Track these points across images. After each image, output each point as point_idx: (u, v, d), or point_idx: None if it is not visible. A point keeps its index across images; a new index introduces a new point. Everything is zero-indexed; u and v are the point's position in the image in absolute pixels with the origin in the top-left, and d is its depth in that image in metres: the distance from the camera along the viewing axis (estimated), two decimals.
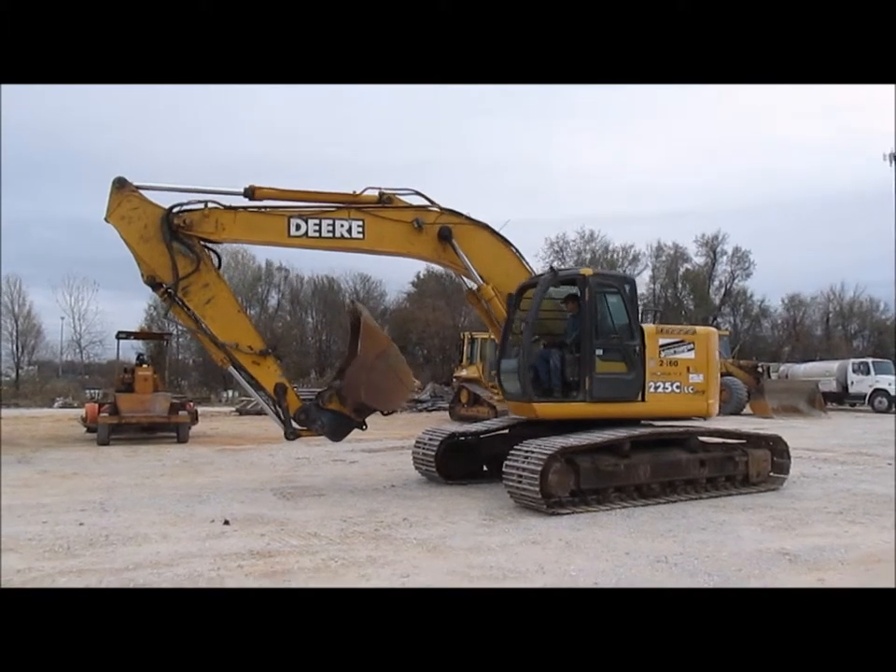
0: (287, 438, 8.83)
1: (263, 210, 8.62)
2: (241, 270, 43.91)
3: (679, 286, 49.81)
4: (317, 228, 8.55)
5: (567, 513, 7.28)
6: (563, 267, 9.05)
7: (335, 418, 8.79)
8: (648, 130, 73.84)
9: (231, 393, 36.96)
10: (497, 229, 9.30)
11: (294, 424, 8.74)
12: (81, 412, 18.78)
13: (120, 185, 8.28)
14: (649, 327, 8.80)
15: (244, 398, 30.01)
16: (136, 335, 22.29)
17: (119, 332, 18.23)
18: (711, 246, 48.56)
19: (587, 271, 8.60)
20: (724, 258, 48.84)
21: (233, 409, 27.71)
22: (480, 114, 77.16)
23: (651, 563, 5.52)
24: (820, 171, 68.76)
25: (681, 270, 49.53)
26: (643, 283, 49.35)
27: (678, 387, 8.63)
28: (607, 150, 74.19)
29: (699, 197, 70.52)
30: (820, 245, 65.69)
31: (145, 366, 16.40)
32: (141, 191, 8.36)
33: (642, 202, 70.85)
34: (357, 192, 8.74)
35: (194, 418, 16.34)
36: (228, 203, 8.49)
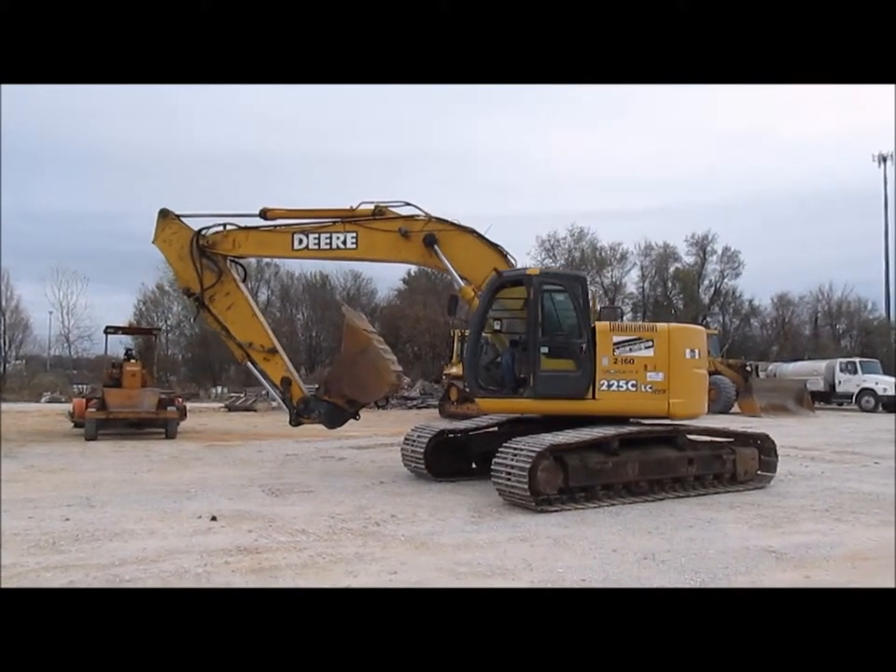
0: (291, 424, 10.19)
1: (271, 228, 10.00)
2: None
3: (669, 285, 49.90)
4: (317, 241, 9.76)
5: (556, 511, 7.29)
6: (508, 269, 9.08)
7: (331, 408, 9.96)
8: (635, 125, 74.28)
9: (220, 389, 36.88)
10: (484, 230, 9.65)
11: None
12: (69, 407, 18.66)
13: (164, 214, 10.14)
14: (602, 324, 8.68)
15: (233, 394, 29.96)
16: (125, 330, 22.16)
17: (108, 327, 18.12)
18: (702, 246, 48.68)
19: (533, 270, 8.82)
20: (714, 257, 49.02)
21: (222, 405, 27.60)
22: (467, 108, 77.19)
23: (639, 560, 5.54)
24: (810, 169, 69.36)
25: (671, 269, 49.61)
26: (632, 281, 49.57)
27: (633, 386, 8.39)
28: (595, 145, 74.48)
29: (687, 194, 70.78)
30: (809, 244, 66.15)
31: (133, 361, 16.35)
32: (182, 218, 10.10)
33: (630, 197, 71.32)
34: (354, 207, 9.77)
35: (183, 414, 16.25)
36: (243, 224, 10.04)
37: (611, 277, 48.26)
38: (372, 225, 9.67)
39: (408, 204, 9.72)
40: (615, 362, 8.40)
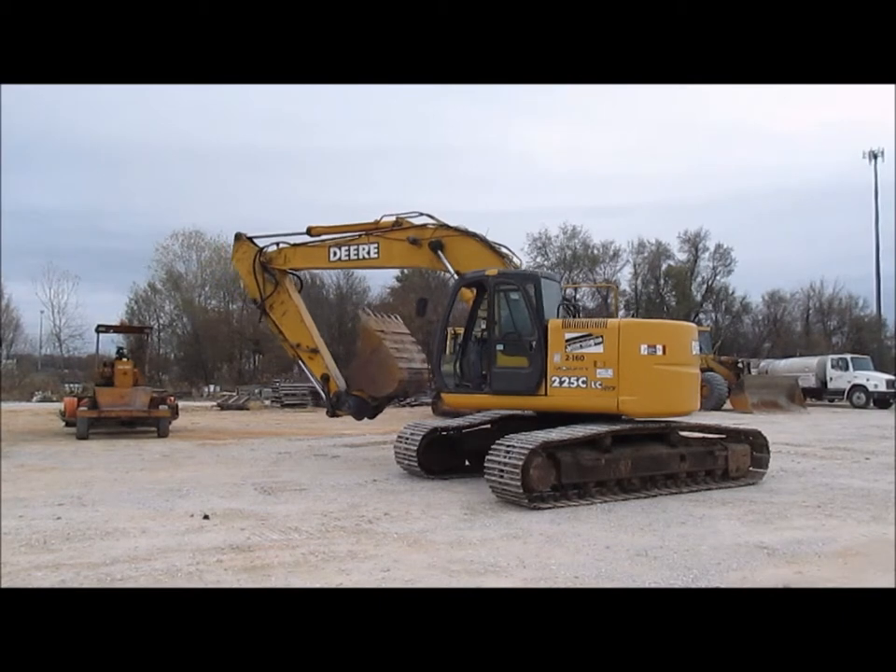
0: (328, 415, 11.81)
1: (316, 244, 11.51)
2: (223, 264, 43.55)
3: (662, 282, 49.96)
4: (347, 253, 11.11)
5: (548, 508, 7.29)
6: (471, 271, 9.55)
7: (358, 402, 11.27)
8: (625, 121, 74.45)
9: (212, 388, 36.80)
10: (485, 231, 10.39)
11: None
12: (60, 406, 18.56)
13: (238, 237, 12.05)
14: (554, 321, 8.62)
15: (225, 392, 29.90)
16: (116, 328, 22.03)
17: (99, 326, 18.02)
18: (694, 243, 48.76)
19: (491, 271, 9.17)
20: (706, 254, 49.11)
21: (215, 403, 27.51)
22: (462, 104, 77.15)
23: (631, 557, 5.55)
24: (799, 165, 69.57)
25: (663, 266, 49.67)
26: (625, 279, 49.62)
27: (584, 382, 8.28)
28: (589, 142, 74.56)
29: (680, 191, 71.06)
30: (800, 240, 66.38)
31: (125, 360, 16.27)
32: (254, 239, 11.86)
33: (622, 194, 71.52)
34: (378, 220, 10.87)
35: (175, 412, 16.18)
36: (292, 242, 11.64)
37: (604, 275, 48.31)
38: (390, 235, 10.72)
39: (422, 214, 10.64)
40: (567, 359, 8.38)
